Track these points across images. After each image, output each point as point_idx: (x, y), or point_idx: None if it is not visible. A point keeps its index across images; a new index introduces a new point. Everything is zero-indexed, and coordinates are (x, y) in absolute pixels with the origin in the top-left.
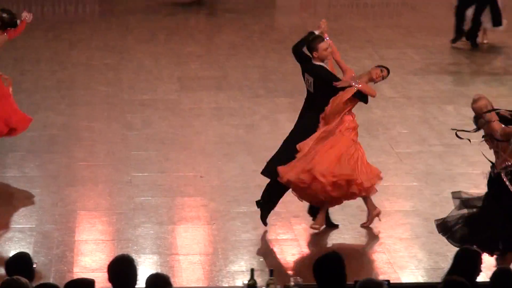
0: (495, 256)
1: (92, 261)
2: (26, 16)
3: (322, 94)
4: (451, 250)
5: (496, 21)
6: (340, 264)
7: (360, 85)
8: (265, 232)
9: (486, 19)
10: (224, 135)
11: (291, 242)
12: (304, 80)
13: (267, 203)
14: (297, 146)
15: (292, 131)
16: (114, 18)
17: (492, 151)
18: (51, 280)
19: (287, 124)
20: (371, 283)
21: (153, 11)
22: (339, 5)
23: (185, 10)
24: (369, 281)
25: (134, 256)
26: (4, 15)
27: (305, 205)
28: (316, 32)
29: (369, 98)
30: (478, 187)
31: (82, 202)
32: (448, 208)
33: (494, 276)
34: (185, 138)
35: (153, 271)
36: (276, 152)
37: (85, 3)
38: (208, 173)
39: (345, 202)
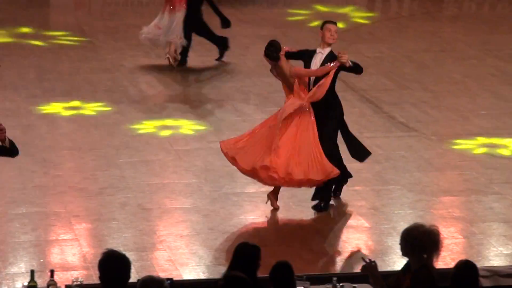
0: None
1: None
2: None
3: None
4: (232, 246)
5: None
6: (124, 263)
7: None
8: (45, 233)
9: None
10: None
11: (72, 242)
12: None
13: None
14: None
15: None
16: None
17: None
18: None
19: (64, 123)
20: (152, 281)
21: None
22: (114, 4)
23: None
24: (150, 279)
25: None
26: None
27: (85, 204)
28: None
29: None
30: (257, 183)
31: None
32: (228, 204)
33: (273, 270)
34: None
35: None
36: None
37: None
38: None
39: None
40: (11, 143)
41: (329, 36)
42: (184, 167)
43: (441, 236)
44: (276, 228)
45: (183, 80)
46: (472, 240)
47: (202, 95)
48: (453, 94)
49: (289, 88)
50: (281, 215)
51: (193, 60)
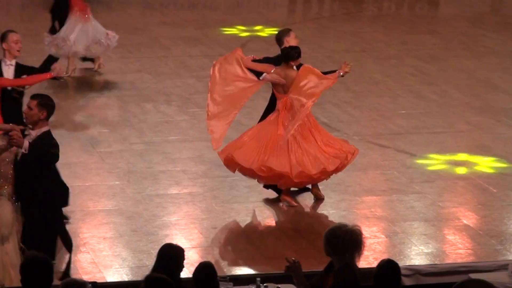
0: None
1: None
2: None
3: None
4: (155, 248)
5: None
6: (46, 266)
7: None
8: None
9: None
10: None
11: None
12: None
13: None
14: None
15: None
16: None
17: None
18: None
19: None
20: (74, 283)
21: None
22: (33, 6)
23: None
24: (71, 282)
25: None
26: None
27: None
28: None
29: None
30: (180, 184)
31: None
32: (151, 206)
33: (196, 271)
34: None
35: None
36: None
37: None
38: None
39: None
40: (33, 148)
41: (295, 43)
42: (107, 169)
43: (363, 236)
44: (199, 230)
45: (104, 82)
46: (394, 239)
47: (123, 97)
48: (374, 94)
49: (283, 92)
50: (204, 216)
51: (115, 62)
